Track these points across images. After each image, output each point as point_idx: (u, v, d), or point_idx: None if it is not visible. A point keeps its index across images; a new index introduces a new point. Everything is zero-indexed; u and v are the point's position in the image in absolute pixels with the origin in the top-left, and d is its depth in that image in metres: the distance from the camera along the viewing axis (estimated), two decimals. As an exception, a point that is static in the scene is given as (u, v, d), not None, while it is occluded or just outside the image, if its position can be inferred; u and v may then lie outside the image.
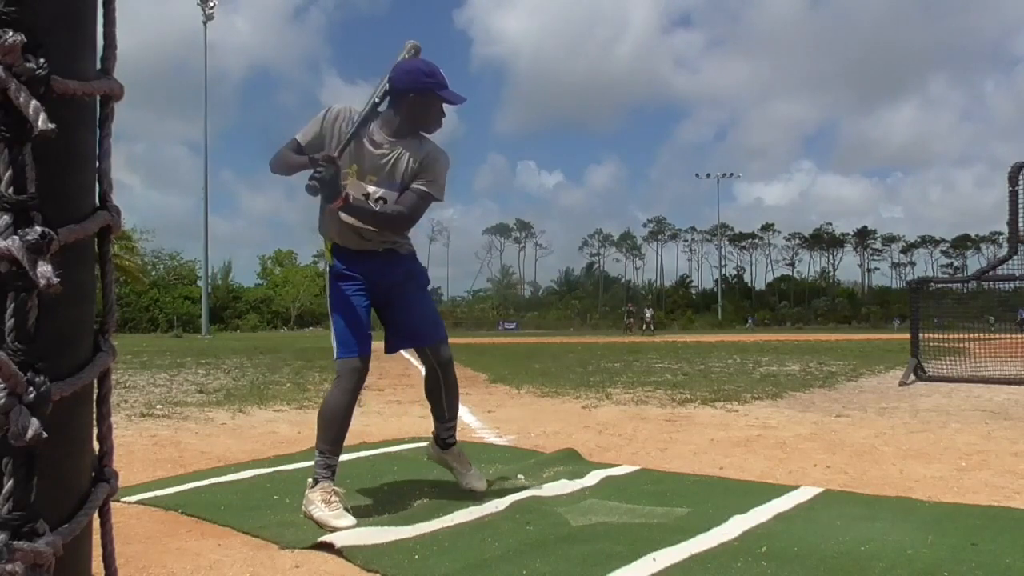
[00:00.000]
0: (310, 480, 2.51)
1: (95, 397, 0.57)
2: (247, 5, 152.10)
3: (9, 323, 0.47)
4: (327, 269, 2.70)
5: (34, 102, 0.47)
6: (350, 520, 2.37)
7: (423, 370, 2.88)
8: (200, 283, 46.87)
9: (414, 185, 2.60)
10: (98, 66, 0.56)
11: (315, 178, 2.38)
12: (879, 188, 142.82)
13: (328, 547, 2.14)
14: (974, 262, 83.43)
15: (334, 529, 2.30)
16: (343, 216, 2.55)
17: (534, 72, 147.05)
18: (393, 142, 2.60)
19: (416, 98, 2.56)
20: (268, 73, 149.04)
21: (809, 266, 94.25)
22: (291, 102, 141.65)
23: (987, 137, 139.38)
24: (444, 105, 2.64)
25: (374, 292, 2.68)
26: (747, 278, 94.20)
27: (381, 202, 2.58)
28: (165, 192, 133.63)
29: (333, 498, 2.43)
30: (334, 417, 2.58)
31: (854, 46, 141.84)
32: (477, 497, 2.74)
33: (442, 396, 2.85)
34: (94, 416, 0.58)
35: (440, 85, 2.58)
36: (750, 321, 63.41)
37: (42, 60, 0.48)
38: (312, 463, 2.60)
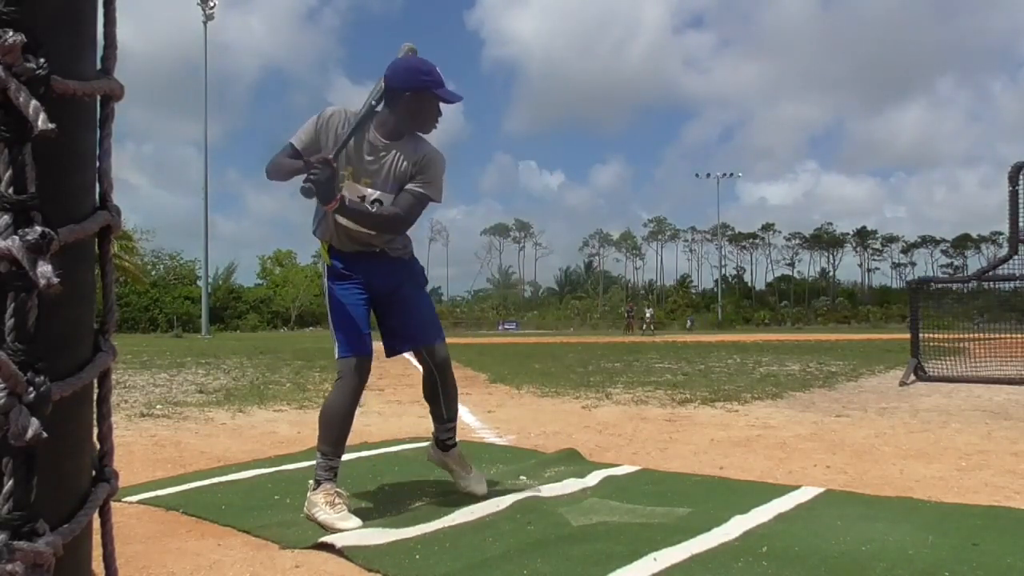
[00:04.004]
0: (311, 482, 2.51)
1: (95, 397, 0.57)
2: (261, 6, 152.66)
3: (9, 323, 0.47)
4: (325, 269, 2.70)
5: (34, 102, 0.47)
6: (355, 522, 2.36)
7: (422, 371, 2.87)
8: (200, 283, 46.83)
9: (410, 186, 2.57)
10: (98, 66, 0.56)
11: (310, 180, 2.35)
12: (883, 188, 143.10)
13: (329, 547, 2.15)
14: (974, 262, 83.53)
15: (339, 531, 2.30)
16: (339, 218, 2.54)
17: (544, 73, 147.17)
18: (388, 144, 2.57)
19: (412, 96, 2.52)
20: (279, 73, 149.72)
21: (809, 266, 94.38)
22: (301, 103, 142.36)
23: (993, 138, 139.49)
24: (442, 105, 2.61)
25: (372, 292, 2.67)
26: (747, 278, 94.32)
27: (377, 204, 2.56)
28: (172, 192, 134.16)
29: (337, 500, 2.43)
30: (335, 418, 2.57)
31: (863, 47, 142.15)
32: (478, 497, 2.74)
33: (440, 397, 2.82)
34: (94, 416, 0.58)
35: (437, 83, 2.53)
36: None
37: (42, 60, 0.48)
38: (313, 463, 2.60)
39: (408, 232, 2.75)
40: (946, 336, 8.57)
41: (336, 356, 2.62)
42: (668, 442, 4.14)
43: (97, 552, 0.58)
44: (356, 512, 2.45)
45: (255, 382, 7.93)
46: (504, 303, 76.95)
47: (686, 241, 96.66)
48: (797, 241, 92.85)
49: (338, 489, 2.47)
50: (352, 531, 2.29)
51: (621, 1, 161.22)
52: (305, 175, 2.37)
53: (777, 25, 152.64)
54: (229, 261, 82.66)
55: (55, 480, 0.52)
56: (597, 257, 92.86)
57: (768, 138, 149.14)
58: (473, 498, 2.72)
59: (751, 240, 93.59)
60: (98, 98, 0.55)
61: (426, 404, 2.90)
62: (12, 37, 0.46)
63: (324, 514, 2.38)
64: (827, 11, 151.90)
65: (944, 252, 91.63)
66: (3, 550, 0.46)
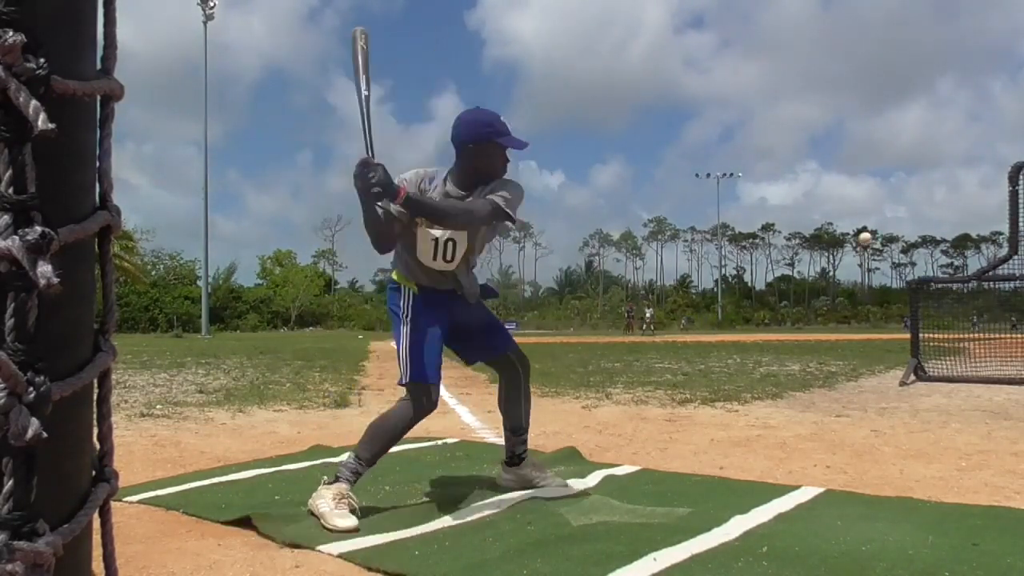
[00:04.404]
0: (326, 477, 2.52)
1: (95, 397, 0.57)
2: (262, 6, 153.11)
3: (9, 323, 0.47)
4: (408, 294, 2.66)
5: (34, 102, 0.47)
6: (352, 521, 2.36)
7: (500, 381, 2.88)
8: (200, 283, 46.84)
9: (486, 195, 2.59)
10: (98, 66, 0.56)
11: (374, 184, 2.28)
12: (884, 188, 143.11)
13: (327, 554, 2.14)
14: (974, 262, 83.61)
15: (333, 526, 2.31)
16: (419, 258, 2.59)
17: (544, 73, 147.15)
18: (464, 195, 2.61)
19: (476, 148, 2.58)
20: (280, 73, 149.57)
21: (809, 266, 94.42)
22: (301, 103, 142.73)
23: (993, 138, 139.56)
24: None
25: (449, 322, 2.70)
26: (747, 278, 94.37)
27: (450, 243, 2.59)
28: (173, 192, 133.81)
29: (344, 499, 2.43)
30: (388, 435, 2.60)
31: (863, 47, 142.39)
32: (478, 497, 2.74)
33: (522, 402, 2.86)
34: (94, 416, 0.58)
35: (499, 133, 2.58)
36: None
37: (42, 60, 0.48)
38: (313, 463, 2.59)
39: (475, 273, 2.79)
40: (946, 336, 8.57)
41: (406, 378, 2.60)
42: (668, 442, 4.14)
43: (97, 552, 0.58)
44: (357, 511, 2.45)
45: (255, 382, 7.93)
46: (504, 303, 76.96)
47: (686, 241, 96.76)
48: (797, 241, 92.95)
49: (351, 494, 2.48)
50: (348, 531, 2.30)
51: (622, 1, 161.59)
52: (364, 186, 2.30)
53: (777, 25, 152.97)
54: (230, 261, 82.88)
55: (55, 480, 0.52)
56: (597, 257, 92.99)
57: (768, 138, 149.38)
58: (474, 497, 2.72)
59: (751, 240, 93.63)
60: (98, 98, 0.55)
61: (501, 416, 2.91)
62: (12, 37, 0.46)
63: (326, 506, 2.39)
64: (827, 11, 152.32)
65: (944, 252, 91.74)
66: (3, 550, 0.46)
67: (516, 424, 2.88)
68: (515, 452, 2.90)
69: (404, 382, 2.60)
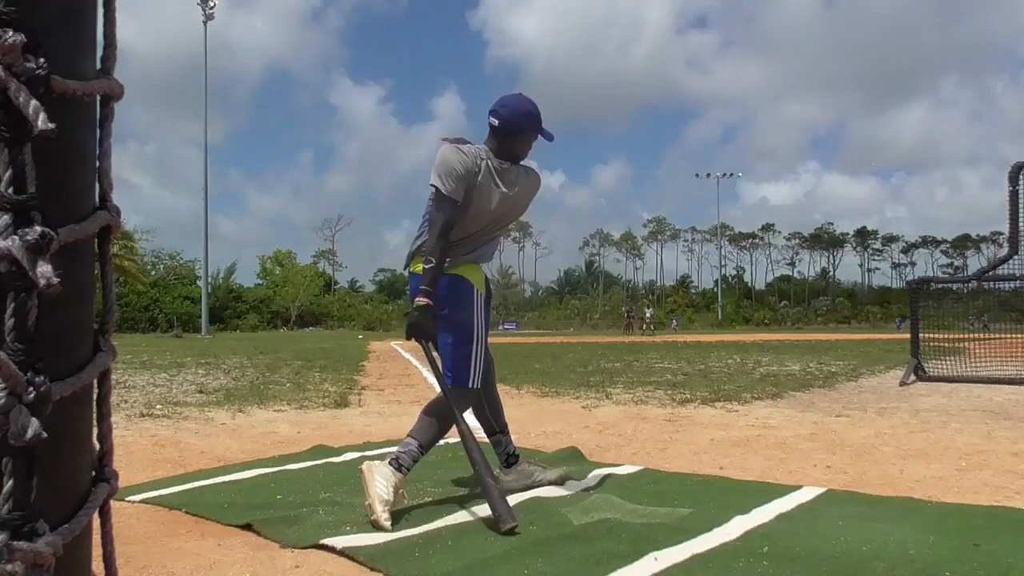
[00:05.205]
0: (393, 459, 2.52)
1: (95, 397, 0.57)
2: (265, 5, 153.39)
3: (9, 323, 0.47)
4: (478, 297, 2.74)
5: (34, 102, 0.47)
6: (389, 524, 2.36)
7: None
8: (200, 283, 46.85)
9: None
10: (98, 66, 0.56)
11: (420, 326, 2.57)
12: (884, 188, 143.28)
13: (330, 548, 2.14)
14: (974, 262, 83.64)
15: (377, 519, 2.33)
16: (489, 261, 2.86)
17: (547, 73, 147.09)
18: (508, 166, 2.78)
19: (522, 136, 2.79)
20: (282, 73, 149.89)
21: (809, 266, 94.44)
22: (304, 103, 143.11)
23: (994, 138, 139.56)
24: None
25: None
26: (747, 278, 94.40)
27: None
28: (174, 192, 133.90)
29: (400, 497, 2.47)
30: (446, 427, 2.66)
31: (865, 48, 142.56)
32: (480, 496, 2.74)
33: (499, 397, 2.96)
34: (94, 416, 0.58)
35: (541, 126, 2.82)
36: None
37: (42, 60, 0.48)
38: (313, 463, 2.58)
39: None
40: (946, 336, 8.57)
41: (470, 384, 2.69)
42: (668, 442, 4.14)
43: (97, 552, 0.58)
44: (358, 511, 2.45)
45: (255, 382, 7.93)
46: (504, 303, 76.95)
47: (686, 241, 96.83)
48: (797, 241, 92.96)
49: (404, 489, 2.52)
50: (382, 528, 2.32)
51: (624, 1, 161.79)
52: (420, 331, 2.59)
53: (780, 25, 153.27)
54: (231, 261, 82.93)
55: (55, 480, 0.52)
56: (597, 257, 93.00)
57: (770, 138, 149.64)
58: (475, 498, 2.72)
59: (751, 240, 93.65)
60: (98, 98, 0.55)
61: (482, 421, 2.93)
62: (12, 37, 0.46)
63: (385, 491, 2.39)
64: (830, 11, 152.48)
65: (944, 252, 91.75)
66: (3, 550, 0.46)
67: (503, 421, 2.93)
68: (509, 451, 2.92)
69: (472, 387, 2.69)
